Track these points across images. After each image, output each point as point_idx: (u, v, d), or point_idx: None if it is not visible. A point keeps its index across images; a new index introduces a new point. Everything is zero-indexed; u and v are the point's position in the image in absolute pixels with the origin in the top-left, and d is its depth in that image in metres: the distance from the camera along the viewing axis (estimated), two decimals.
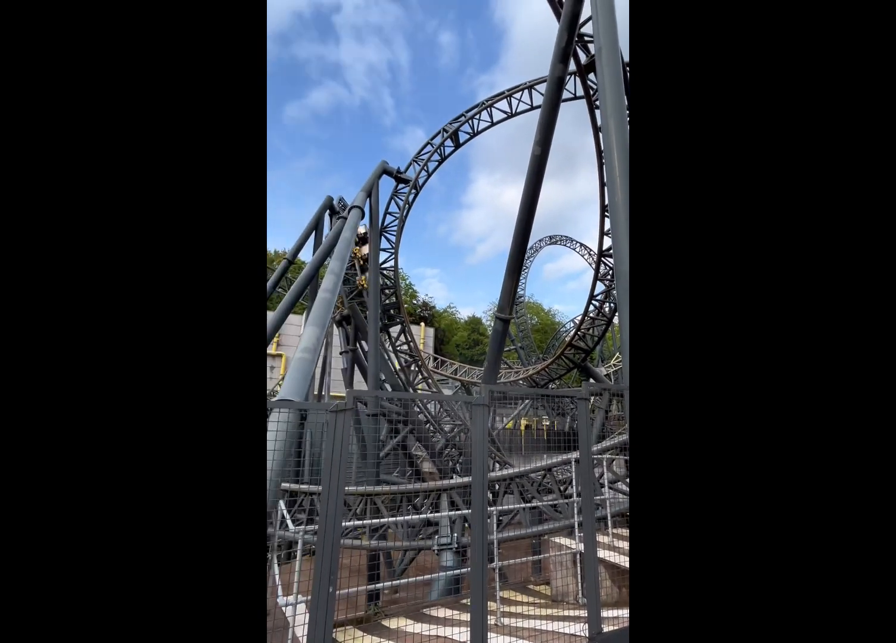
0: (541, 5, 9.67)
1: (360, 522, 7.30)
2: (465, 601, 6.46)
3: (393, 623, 5.43)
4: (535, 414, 32.31)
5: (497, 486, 8.43)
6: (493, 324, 12.54)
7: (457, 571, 5.72)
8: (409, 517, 6.24)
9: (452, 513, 6.95)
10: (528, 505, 7.31)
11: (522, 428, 31.22)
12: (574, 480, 6.44)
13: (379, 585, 5.24)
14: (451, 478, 13.73)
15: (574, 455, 6.82)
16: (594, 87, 10.85)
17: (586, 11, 8.07)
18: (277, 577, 4.60)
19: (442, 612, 5.89)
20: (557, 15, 9.33)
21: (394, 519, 6.67)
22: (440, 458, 16.11)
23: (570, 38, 8.70)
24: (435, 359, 30.17)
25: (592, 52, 10.12)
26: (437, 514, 6.73)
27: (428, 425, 17.10)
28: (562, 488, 8.28)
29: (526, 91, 17.46)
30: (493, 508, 6.04)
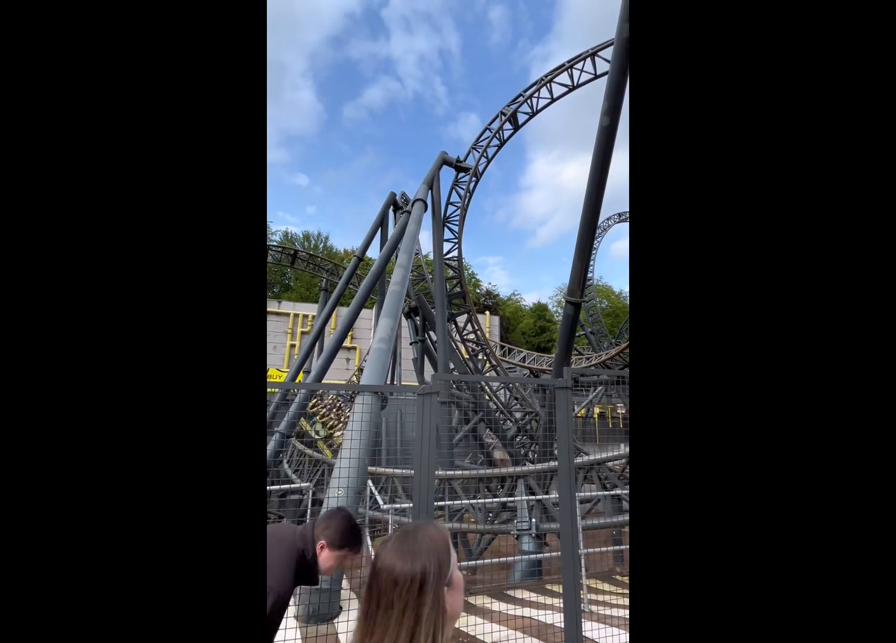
0: None
1: (442, 504, 7.55)
2: (546, 586, 6.45)
3: (478, 601, 5.59)
4: (608, 401, 30.99)
5: (578, 472, 8.26)
6: (561, 310, 12.15)
7: (542, 555, 5.71)
8: (489, 500, 6.33)
9: (531, 498, 6.93)
10: (610, 493, 7.09)
11: (596, 416, 30.14)
12: None
13: (462, 564, 5.40)
14: (525, 465, 13.70)
15: None
16: None
17: None
18: (371, 549, 4.92)
19: (523, 595, 5.94)
20: None
21: (474, 501, 6.81)
22: (512, 446, 16.10)
23: None
24: (502, 347, 30.02)
25: None
26: (515, 498, 6.75)
27: (499, 413, 17.13)
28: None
29: (588, 60, 16.41)
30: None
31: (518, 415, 17.79)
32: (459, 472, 9.02)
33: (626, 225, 35.15)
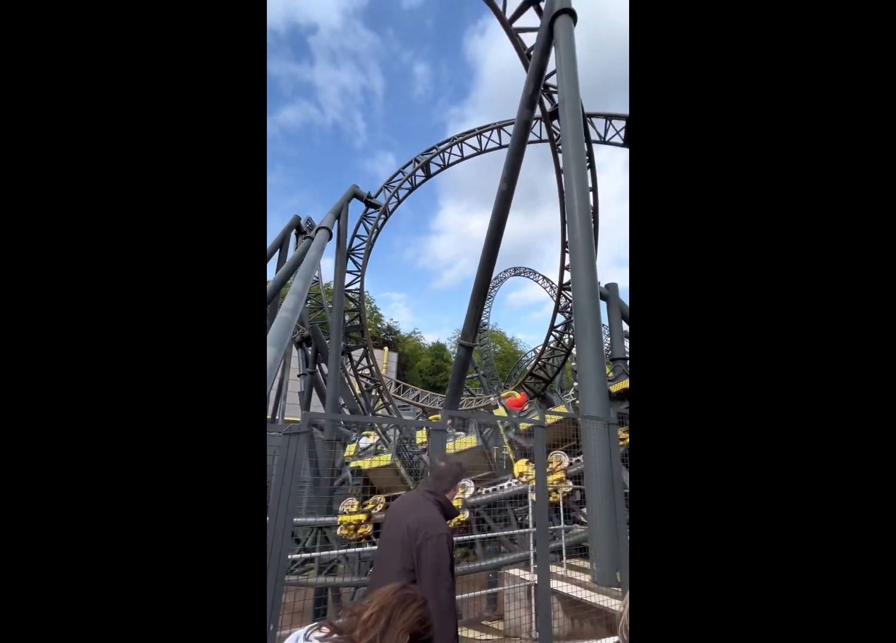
0: (507, 49, 10.39)
1: (309, 555, 6.88)
2: None
3: None
4: (494, 442, 32.15)
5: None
6: (456, 351, 12.62)
7: None
8: (362, 549, 5.97)
9: None
10: (484, 535, 7.21)
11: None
12: (530, 510, 6.43)
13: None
14: None
15: (531, 485, 6.85)
16: (557, 132, 11.62)
17: (551, 65, 8.75)
18: None
19: None
20: (525, 65, 10.05)
21: (345, 551, 6.35)
22: None
23: (537, 88, 9.37)
24: (397, 384, 29.73)
25: (556, 101, 10.91)
26: None
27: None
28: (519, 519, 8.23)
29: (495, 130, 18.41)
30: None
31: (407, 455, 17.45)
32: (332, 519, 8.42)
33: (521, 278, 38.55)
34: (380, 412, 18.05)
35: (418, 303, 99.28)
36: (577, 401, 7.70)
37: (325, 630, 1.13)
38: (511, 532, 7.24)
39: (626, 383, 8.63)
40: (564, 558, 6.12)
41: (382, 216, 18.15)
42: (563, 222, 14.21)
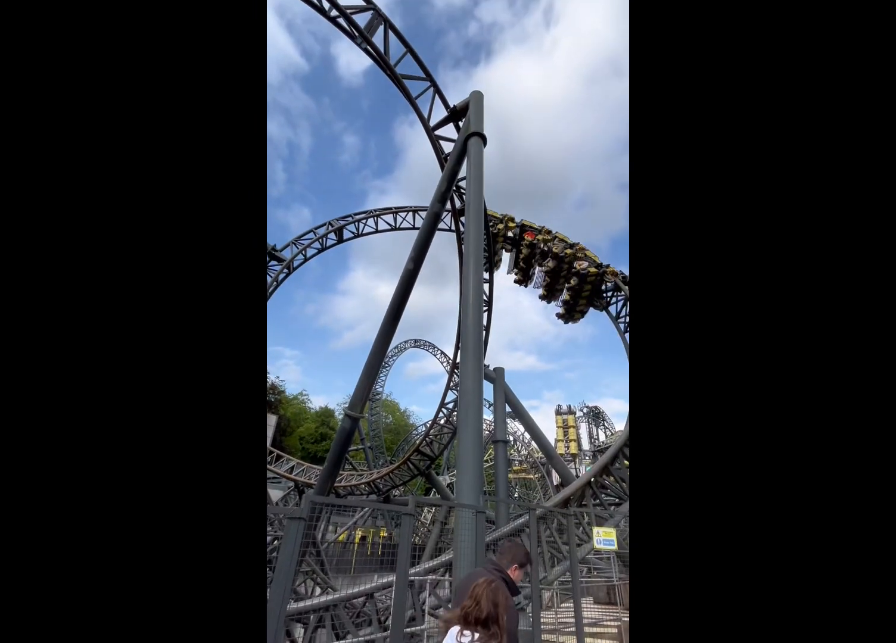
0: (428, 144, 11.64)
1: None
2: None
3: None
4: (373, 524, 29.75)
5: (311, 618, 7.17)
6: (341, 422, 11.99)
7: None
8: None
9: None
10: (342, 642, 6.32)
11: (357, 539, 28.18)
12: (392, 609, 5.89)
13: None
14: None
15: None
16: (463, 226, 12.97)
17: (463, 171, 10.03)
18: None
19: None
20: (441, 166, 11.36)
21: None
22: None
23: (449, 187, 10.55)
24: (270, 452, 26.65)
25: (465, 201, 12.34)
26: None
27: None
28: (382, 618, 7.44)
29: (411, 213, 19.84)
30: None
31: (269, 538, 15.13)
32: None
33: (420, 349, 39.29)
34: None
35: (311, 362, 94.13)
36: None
37: (459, 627, 1.57)
38: (370, 636, 6.47)
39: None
40: None
41: (285, 270, 17.62)
42: (460, 307, 15.24)
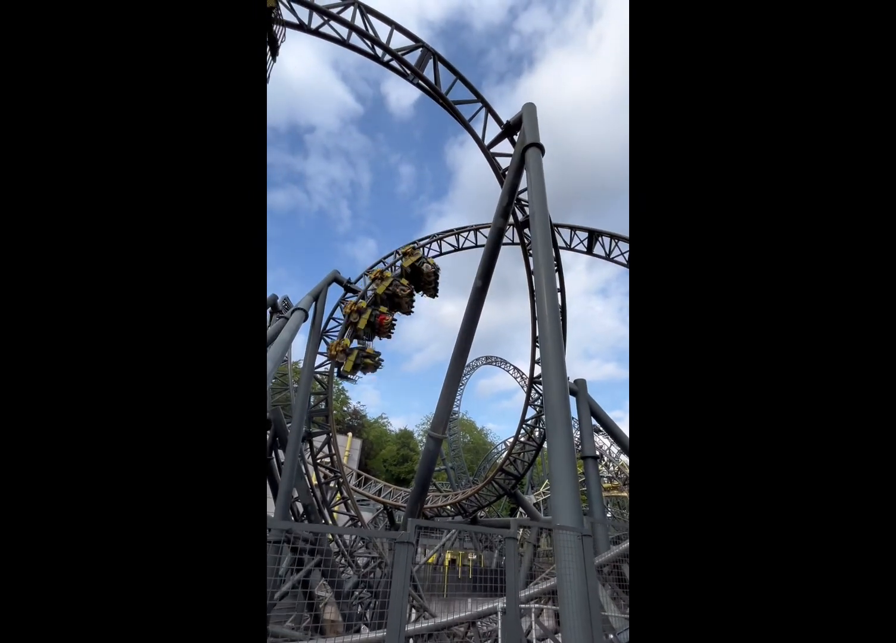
0: (481, 159, 11.82)
1: None
2: None
3: None
4: (461, 546, 29.39)
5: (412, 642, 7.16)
6: (424, 442, 12.11)
7: None
8: None
9: None
10: None
11: (447, 562, 27.96)
12: (499, 636, 5.67)
13: None
14: (358, 629, 11.47)
15: (499, 603, 6.14)
16: (528, 239, 12.82)
17: (523, 183, 9.99)
18: None
19: None
20: (500, 181, 11.44)
21: None
22: (347, 601, 13.62)
23: (510, 201, 10.54)
24: (358, 475, 27.69)
25: (528, 213, 12.23)
26: None
27: (339, 556, 14.81)
28: None
29: (472, 232, 20.11)
30: None
31: (362, 560, 15.60)
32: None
33: (491, 366, 38.97)
34: (336, 508, 16.47)
35: (387, 385, 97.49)
36: (548, 499, 7.30)
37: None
38: None
39: None
40: None
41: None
42: (534, 318, 14.93)
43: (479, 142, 11.34)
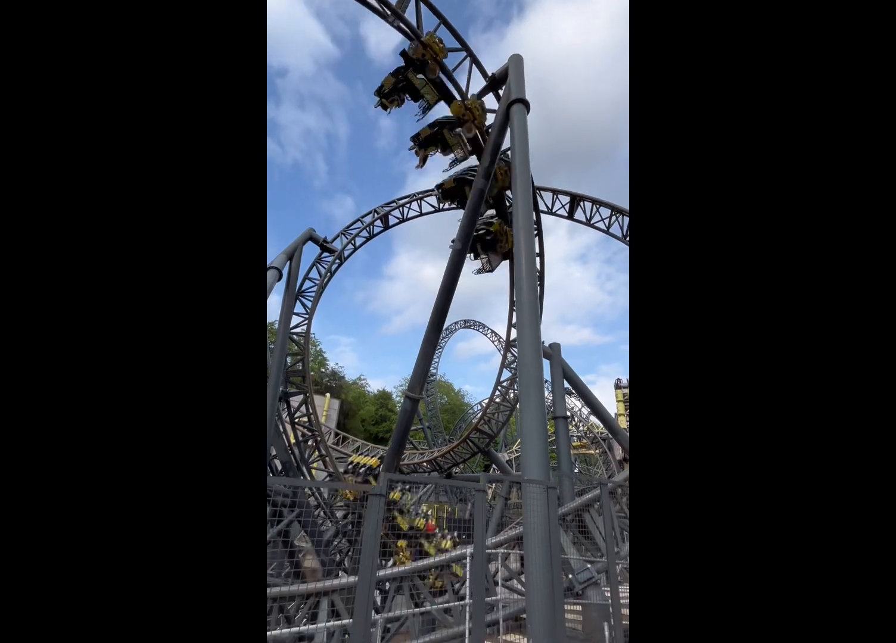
0: None
1: None
2: None
3: None
4: (436, 499, 30.89)
5: (388, 586, 7.63)
6: (402, 403, 12.35)
7: None
8: (276, 632, 5.28)
9: (331, 624, 6.05)
10: (419, 609, 6.68)
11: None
12: (467, 578, 6.10)
13: None
14: (336, 575, 12.12)
15: (469, 549, 6.56)
16: (510, 202, 12.59)
17: (506, 143, 9.67)
18: None
19: None
20: (483, 141, 11.03)
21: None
22: (326, 551, 14.28)
23: (493, 161, 10.23)
24: (336, 434, 28.23)
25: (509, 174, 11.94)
26: (312, 626, 5.80)
27: (318, 510, 15.36)
28: (455, 587, 7.75)
29: None
30: (378, 616, 5.40)
31: (340, 513, 16.24)
32: None
33: (469, 330, 39.39)
34: (315, 465, 16.87)
35: (366, 347, 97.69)
36: (519, 457, 7.66)
37: None
38: (446, 604, 6.77)
39: None
40: (501, 632, 5.77)
41: (337, 261, 18.17)
42: (513, 282, 14.97)
43: (463, 95, 10.80)
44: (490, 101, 10.81)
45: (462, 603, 6.13)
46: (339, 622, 6.17)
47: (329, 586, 6.99)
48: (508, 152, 9.73)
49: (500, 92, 10.08)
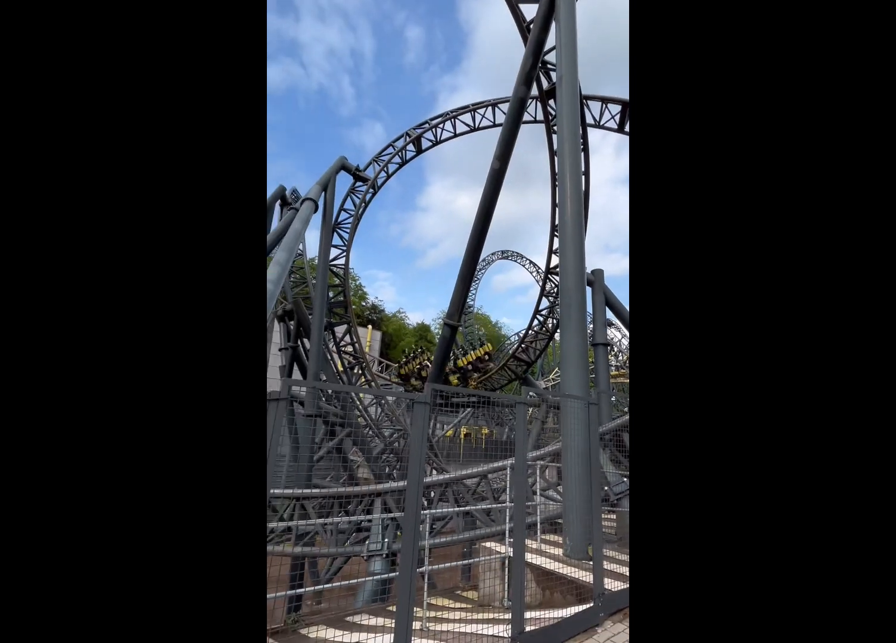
0: (500, 15, 10.05)
1: (286, 524, 6.95)
2: (391, 608, 6.34)
3: (312, 632, 5.21)
4: (475, 422, 32.78)
5: (433, 492, 8.42)
6: (441, 331, 12.64)
7: (383, 575, 5.60)
8: (338, 519, 6.05)
9: (384, 515, 6.84)
10: (462, 508, 7.38)
11: (462, 436, 31.52)
12: (508, 487, 6.59)
13: (300, 590, 5.00)
14: (387, 482, 13.50)
15: (509, 462, 7.00)
16: (553, 113, 11.42)
17: (551, 40, 8.52)
18: None
19: (367, 620, 5.74)
20: (524, 39, 9.76)
21: (322, 521, 6.43)
22: (377, 463, 15.82)
23: (535, 64, 9.13)
24: (380, 362, 29.75)
25: (554, 79, 10.68)
26: (368, 517, 6.59)
27: (367, 429, 16.76)
28: (496, 495, 8.44)
29: (489, 108, 17.99)
30: (426, 512, 6.01)
31: (387, 432, 17.64)
32: (310, 491, 8.49)
33: (507, 262, 38.55)
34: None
35: (403, 282, 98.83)
36: (557, 385, 7.80)
37: None
38: (489, 506, 7.42)
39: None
40: (539, 533, 6.32)
41: (371, 190, 17.75)
42: (554, 206, 14.13)
43: None
44: None
45: (503, 505, 6.68)
46: (389, 515, 6.97)
47: (382, 488, 7.80)
48: (551, 55, 8.58)
49: None
